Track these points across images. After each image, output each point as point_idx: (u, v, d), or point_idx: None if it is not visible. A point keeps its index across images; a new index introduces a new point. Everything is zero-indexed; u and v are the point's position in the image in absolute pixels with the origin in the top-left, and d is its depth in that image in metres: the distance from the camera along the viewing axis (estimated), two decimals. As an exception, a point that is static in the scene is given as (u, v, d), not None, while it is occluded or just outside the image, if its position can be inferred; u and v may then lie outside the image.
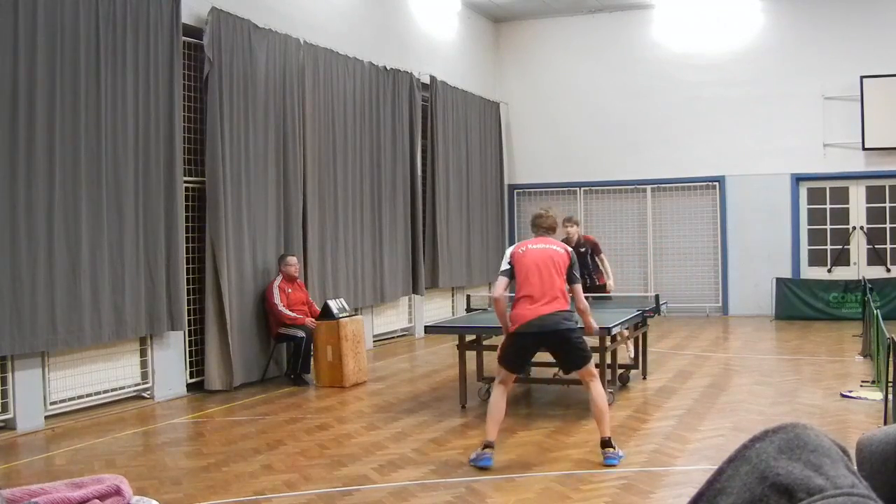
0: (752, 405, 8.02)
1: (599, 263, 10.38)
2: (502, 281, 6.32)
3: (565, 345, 6.24)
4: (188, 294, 9.20)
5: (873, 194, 15.21)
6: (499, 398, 6.25)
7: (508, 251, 6.49)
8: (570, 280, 6.30)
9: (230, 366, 9.31)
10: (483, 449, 6.11)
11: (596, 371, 6.44)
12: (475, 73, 16.04)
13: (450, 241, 14.52)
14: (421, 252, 13.71)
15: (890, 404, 6.55)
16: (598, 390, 6.24)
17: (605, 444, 6.14)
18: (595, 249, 10.34)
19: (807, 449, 0.73)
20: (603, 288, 10.24)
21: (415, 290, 13.57)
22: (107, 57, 8.06)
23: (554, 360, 9.01)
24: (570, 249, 6.50)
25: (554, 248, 6.39)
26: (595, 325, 6.60)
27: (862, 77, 14.54)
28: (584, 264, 10.22)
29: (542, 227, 6.64)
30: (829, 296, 14.63)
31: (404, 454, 6.47)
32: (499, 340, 9.11)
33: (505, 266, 6.37)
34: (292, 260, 9.89)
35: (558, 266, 6.26)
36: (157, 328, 8.67)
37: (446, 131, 14.50)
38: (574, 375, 6.62)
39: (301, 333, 9.56)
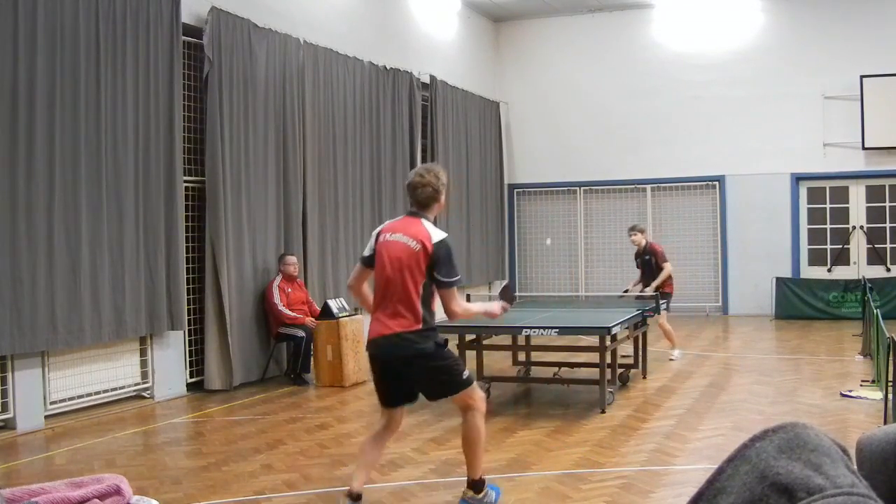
0: (751, 405, 8.02)
1: (659, 272, 10.61)
2: (358, 268, 5.09)
3: (416, 373, 4.87)
4: (188, 294, 9.20)
5: (873, 194, 15.21)
6: (370, 438, 5.06)
7: (374, 233, 5.07)
8: (437, 283, 4.78)
9: (230, 365, 9.31)
10: (347, 498, 4.88)
11: (477, 398, 4.97)
12: (475, 72, 16.04)
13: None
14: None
15: (890, 404, 6.55)
16: (471, 422, 4.93)
17: (470, 485, 5.05)
18: (658, 258, 10.59)
19: (807, 448, 0.73)
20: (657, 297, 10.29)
21: (415, 290, 13.54)
22: (107, 57, 8.06)
23: (553, 361, 8.95)
24: (434, 241, 4.73)
25: (407, 241, 4.77)
26: (496, 308, 5.16)
27: (862, 77, 14.53)
28: (648, 273, 10.61)
29: (414, 202, 4.93)
30: (829, 295, 14.63)
31: (404, 454, 6.47)
32: (500, 340, 9.16)
33: (365, 252, 5.04)
34: (291, 259, 9.89)
35: (411, 266, 4.72)
36: (157, 328, 8.67)
37: (446, 131, 14.50)
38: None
39: (301, 333, 9.56)
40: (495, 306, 5.17)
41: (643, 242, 10.69)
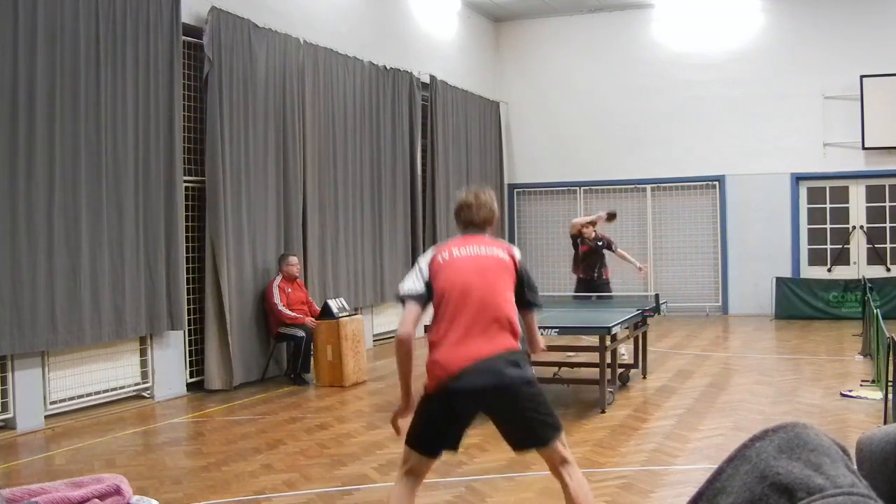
0: (751, 404, 8.02)
1: (617, 258, 10.91)
2: (413, 310, 3.92)
3: (518, 407, 3.83)
4: (188, 294, 9.20)
5: (873, 194, 15.21)
6: (401, 497, 3.98)
7: (424, 259, 4.09)
8: (524, 303, 4.07)
9: (230, 365, 9.31)
10: None
11: (568, 450, 3.95)
12: (475, 72, 16.04)
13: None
14: (421, 251, 13.69)
15: (890, 404, 6.55)
16: (578, 478, 3.88)
17: None
18: (609, 243, 10.85)
19: (807, 448, 0.73)
20: (606, 284, 10.65)
21: (415, 290, 13.54)
22: (107, 57, 8.06)
23: (553, 361, 8.90)
24: (517, 253, 4.12)
25: (495, 252, 4.05)
26: (542, 343, 4.40)
27: (862, 76, 14.53)
28: (599, 260, 10.78)
29: (472, 222, 4.20)
30: (829, 295, 14.63)
31: (404, 454, 6.46)
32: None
33: (416, 284, 3.96)
34: (293, 259, 9.88)
35: (504, 279, 3.98)
36: (157, 328, 8.67)
37: (446, 131, 14.50)
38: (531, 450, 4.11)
39: (301, 333, 9.56)
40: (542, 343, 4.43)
41: (594, 233, 10.77)
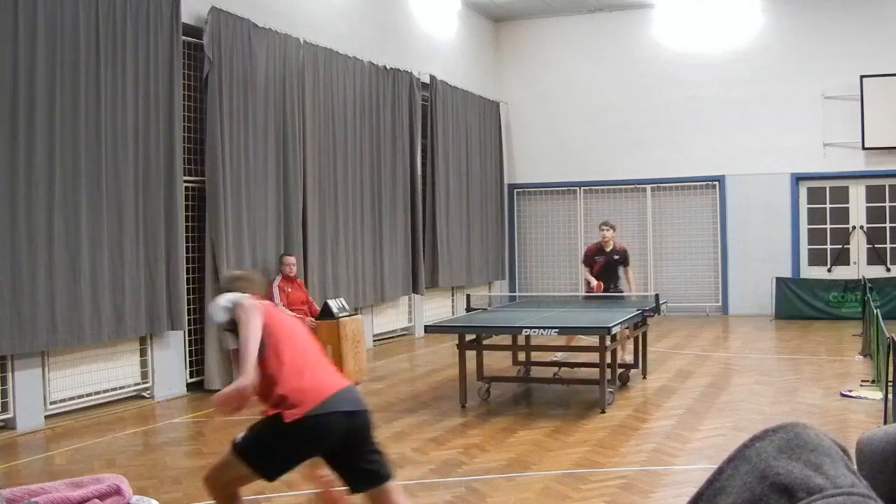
0: (751, 404, 8.02)
1: (623, 275, 10.43)
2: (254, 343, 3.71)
3: (368, 440, 3.99)
4: (188, 294, 9.20)
5: (873, 194, 15.21)
6: None
7: (243, 300, 3.83)
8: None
9: (230, 365, 9.30)
10: None
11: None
12: (475, 72, 16.04)
13: (450, 240, 14.52)
14: (421, 251, 13.71)
15: (890, 404, 6.55)
16: None
17: None
18: (626, 260, 10.42)
19: (807, 448, 0.73)
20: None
21: (415, 290, 13.57)
22: (107, 57, 8.06)
23: (553, 361, 8.92)
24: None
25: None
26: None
27: (862, 76, 14.53)
28: (613, 274, 10.34)
29: (252, 291, 4.11)
30: (829, 295, 14.63)
31: (404, 454, 6.47)
32: (500, 340, 9.16)
33: (253, 320, 3.74)
34: (289, 259, 9.88)
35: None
36: (156, 328, 8.67)
37: (446, 131, 14.50)
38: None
39: (301, 333, 9.54)
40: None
41: (612, 242, 10.37)
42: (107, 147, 8.05)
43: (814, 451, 0.73)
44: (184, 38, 9.06)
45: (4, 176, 7.13)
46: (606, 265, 10.31)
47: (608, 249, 10.36)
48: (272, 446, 3.78)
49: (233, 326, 3.80)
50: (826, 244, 15.45)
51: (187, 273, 9.17)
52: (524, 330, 8.10)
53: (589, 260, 10.48)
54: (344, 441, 3.87)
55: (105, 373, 8.34)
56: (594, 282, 10.27)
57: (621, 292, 10.33)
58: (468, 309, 10.18)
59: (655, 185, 16.11)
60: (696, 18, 15.81)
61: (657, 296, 9.78)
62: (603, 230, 10.41)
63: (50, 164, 7.48)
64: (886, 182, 15.06)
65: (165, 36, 8.73)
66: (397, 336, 13.38)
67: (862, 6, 14.84)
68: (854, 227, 15.28)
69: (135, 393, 8.70)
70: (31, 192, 7.32)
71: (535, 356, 9.55)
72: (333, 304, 9.72)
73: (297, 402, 3.70)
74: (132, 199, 8.33)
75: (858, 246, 15.29)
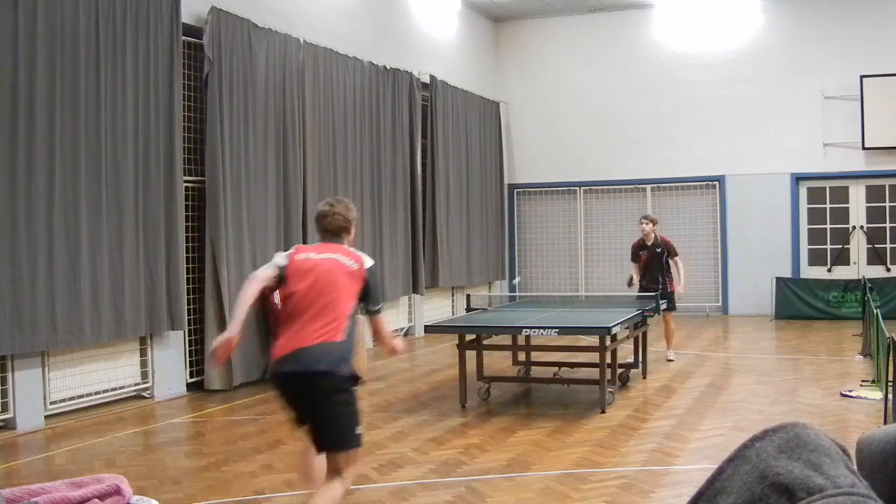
0: (751, 404, 8.02)
1: (673, 266, 10.45)
2: (268, 272, 4.45)
3: (318, 402, 4.25)
4: (188, 294, 9.20)
5: (873, 194, 15.21)
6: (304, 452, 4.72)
7: (283, 254, 4.60)
8: (369, 307, 4.53)
9: (230, 365, 9.30)
10: None
11: (351, 466, 4.34)
12: (475, 72, 16.04)
13: (450, 240, 14.52)
14: (421, 251, 13.71)
15: (890, 404, 6.55)
16: (332, 491, 4.18)
17: None
18: (670, 251, 10.43)
19: (807, 448, 0.73)
20: (671, 295, 10.31)
21: (415, 290, 13.57)
22: (107, 57, 8.06)
23: (553, 361, 8.91)
24: (367, 263, 4.53)
25: (343, 260, 4.47)
26: (399, 345, 4.78)
27: (862, 76, 14.54)
28: (658, 267, 10.35)
29: (326, 230, 4.63)
30: (829, 295, 14.63)
31: (404, 453, 6.47)
32: (500, 340, 9.17)
33: (280, 261, 4.48)
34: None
35: (346, 285, 4.41)
36: (156, 328, 8.67)
37: (446, 131, 14.50)
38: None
39: (301, 333, 9.54)
40: (399, 345, 4.79)
41: (653, 235, 10.44)
42: (107, 147, 8.05)
43: (814, 451, 0.73)
44: (184, 38, 9.06)
45: (4, 176, 7.14)
46: (650, 258, 10.43)
47: (650, 243, 10.46)
48: None
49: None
50: (826, 244, 15.46)
51: (187, 273, 9.16)
52: (524, 330, 8.10)
53: (635, 255, 10.63)
54: (302, 398, 4.29)
55: (105, 373, 8.34)
56: (635, 278, 10.51)
57: (664, 290, 10.14)
58: (468, 309, 10.18)
59: (655, 185, 16.12)
60: (696, 18, 15.81)
61: (657, 296, 9.78)
62: (642, 223, 10.55)
63: (50, 164, 7.48)
64: (886, 182, 15.07)
65: (165, 36, 8.73)
66: (397, 336, 13.37)
67: (862, 6, 14.84)
68: (854, 227, 15.28)
69: (135, 393, 8.70)
70: (31, 192, 7.32)
71: (535, 356, 9.55)
72: (333, 304, 9.71)
73: (272, 356, 4.40)
74: (132, 199, 8.33)
75: (858, 246, 15.29)
